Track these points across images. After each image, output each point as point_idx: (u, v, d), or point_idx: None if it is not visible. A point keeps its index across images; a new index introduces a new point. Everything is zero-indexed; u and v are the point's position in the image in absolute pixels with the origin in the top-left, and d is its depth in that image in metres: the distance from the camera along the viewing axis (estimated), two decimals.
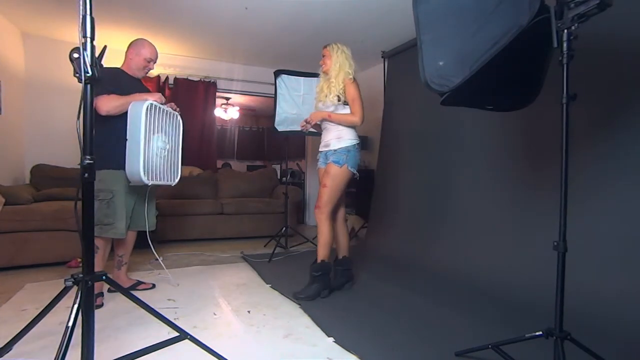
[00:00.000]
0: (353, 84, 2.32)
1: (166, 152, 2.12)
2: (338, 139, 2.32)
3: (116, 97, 2.04)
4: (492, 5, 1.29)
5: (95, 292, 1.88)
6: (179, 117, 2.26)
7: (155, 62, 2.32)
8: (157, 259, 3.17)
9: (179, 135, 2.25)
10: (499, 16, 1.27)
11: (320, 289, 2.25)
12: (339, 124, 2.33)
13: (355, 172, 2.32)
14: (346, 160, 2.26)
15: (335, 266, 2.43)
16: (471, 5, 1.35)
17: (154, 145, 2.02)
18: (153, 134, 2.01)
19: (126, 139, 1.95)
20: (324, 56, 2.40)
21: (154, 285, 2.47)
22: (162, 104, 2.10)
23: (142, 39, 2.28)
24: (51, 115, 4.01)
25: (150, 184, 2.00)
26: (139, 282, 2.45)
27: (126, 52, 2.25)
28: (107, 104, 2.02)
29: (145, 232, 2.36)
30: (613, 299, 1.85)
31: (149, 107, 1.95)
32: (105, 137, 2.03)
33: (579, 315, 1.76)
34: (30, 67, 3.97)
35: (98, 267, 1.97)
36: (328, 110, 2.35)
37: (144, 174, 1.94)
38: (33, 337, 1.56)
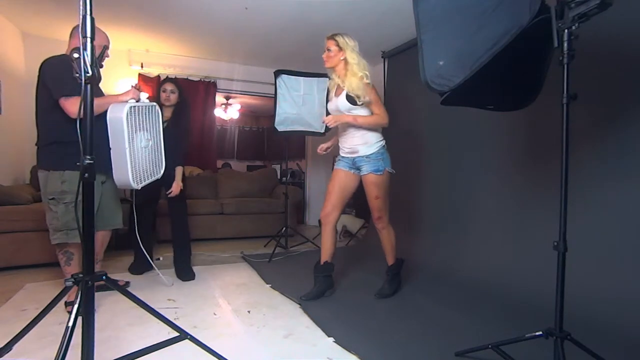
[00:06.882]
0: (369, 83, 2.18)
1: (149, 149, 1.98)
2: (366, 144, 2.20)
3: None
4: (492, 5, 1.29)
5: (69, 299, 1.81)
6: (157, 108, 2.06)
7: (108, 48, 2.07)
8: (158, 259, 3.17)
9: (159, 127, 2.08)
10: (499, 16, 1.27)
11: (397, 287, 2.38)
12: (366, 127, 2.20)
13: (393, 170, 2.25)
14: (384, 165, 2.20)
15: (316, 272, 2.28)
16: (472, 5, 1.35)
17: (137, 147, 1.87)
18: (135, 133, 1.86)
19: (109, 148, 1.77)
20: (329, 49, 2.19)
21: (127, 283, 2.48)
22: (137, 100, 1.91)
23: None
24: None
25: (140, 187, 1.90)
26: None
27: (71, 42, 2.06)
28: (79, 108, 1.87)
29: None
30: (613, 299, 1.85)
31: (129, 112, 1.77)
32: (71, 135, 1.88)
33: (579, 315, 1.76)
34: (31, 67, 3.95)
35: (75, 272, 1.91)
36: (344, 111, 2.20)
37: (134, 181, 1.83)
38: (33, 337, 1.56)
